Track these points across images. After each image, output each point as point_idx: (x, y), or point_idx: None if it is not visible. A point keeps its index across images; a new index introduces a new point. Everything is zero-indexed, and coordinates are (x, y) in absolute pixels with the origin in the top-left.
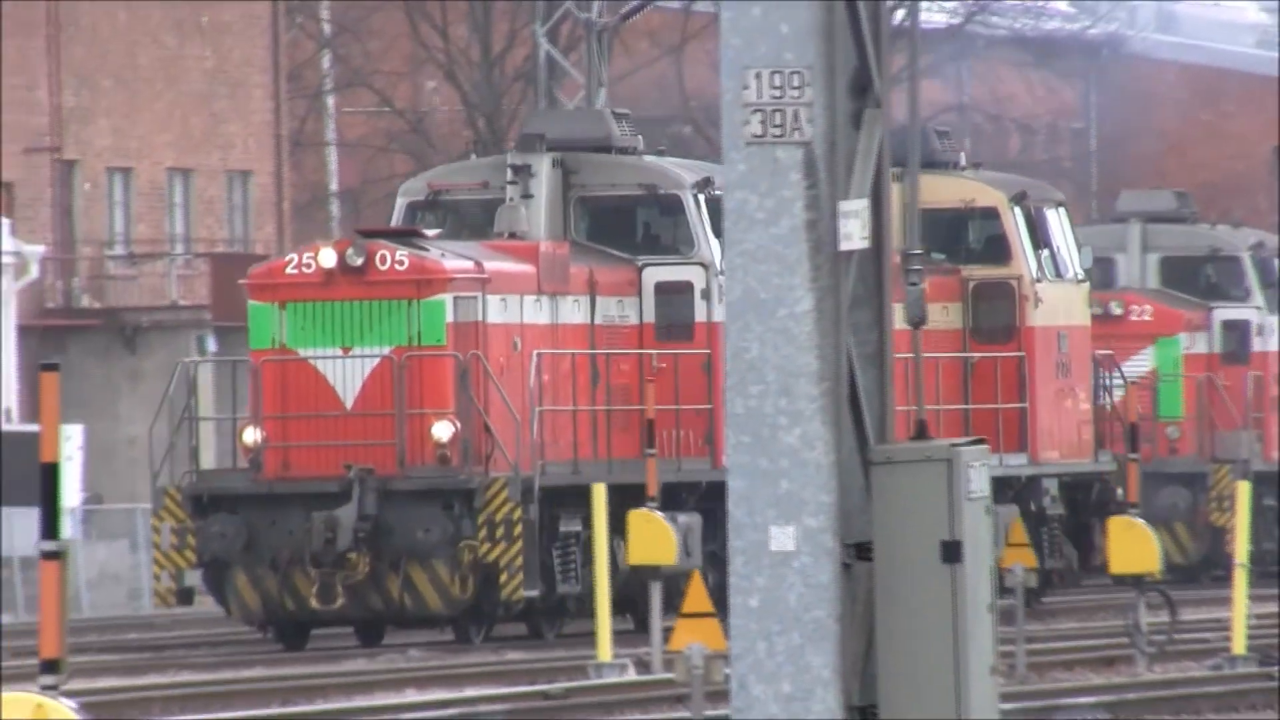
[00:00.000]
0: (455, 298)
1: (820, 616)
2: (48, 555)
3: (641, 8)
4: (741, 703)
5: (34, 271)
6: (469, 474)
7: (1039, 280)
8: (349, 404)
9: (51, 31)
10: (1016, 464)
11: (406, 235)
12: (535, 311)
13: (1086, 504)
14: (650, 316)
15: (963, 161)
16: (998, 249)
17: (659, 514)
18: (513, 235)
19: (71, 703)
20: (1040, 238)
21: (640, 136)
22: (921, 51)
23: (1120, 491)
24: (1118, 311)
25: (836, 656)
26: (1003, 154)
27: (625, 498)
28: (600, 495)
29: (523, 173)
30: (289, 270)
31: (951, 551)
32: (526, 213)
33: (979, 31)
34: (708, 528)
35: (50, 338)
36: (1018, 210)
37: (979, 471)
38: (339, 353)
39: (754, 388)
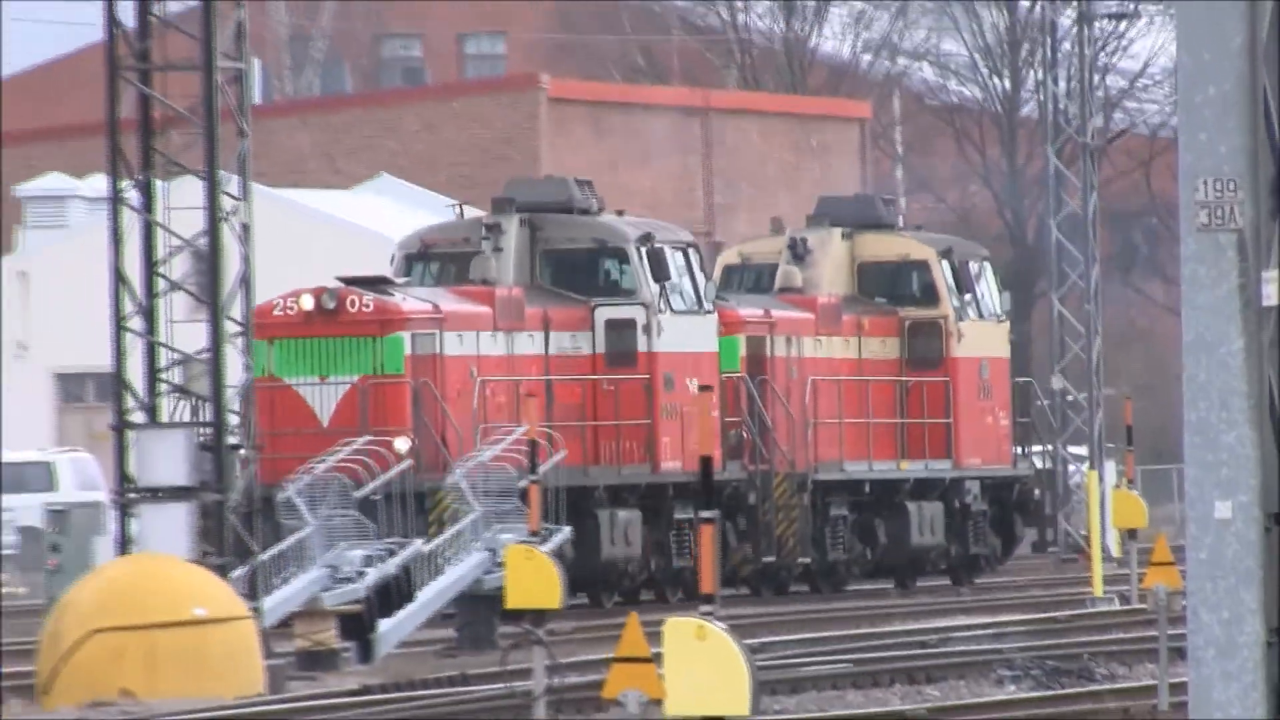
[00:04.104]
0: (413, 334)
1: (1250, 566)
2: (704, 521)
3: (1121, 134)
4: (1194, 625)
5: None
6: (421, 481)
7: (962, 319)
8: (325, 422)
9: (705, 148)
10: (941, 468)
11: (376, 282)
12: (491, 345)
13: (1008, 502)
14: (601, 347)
15: (900, 223)
16: (929, 294)
17: (1133, 491)
18: (484, 281)
19: (723, 625)
20: (965, 285)
21: (594, 200)
22: None
23: (1037, 493)
24: None
25: (1261, 594)
26: None
27: (572, 497)
28: (1094, 483)
29: (495, 230)
30: (276, 312)
31: None
32: (497, 263)
33: None
34: (647, 520)
35: None
36: (945, 263)
37: None
38: (317, 380)
39: (1202, 403)
